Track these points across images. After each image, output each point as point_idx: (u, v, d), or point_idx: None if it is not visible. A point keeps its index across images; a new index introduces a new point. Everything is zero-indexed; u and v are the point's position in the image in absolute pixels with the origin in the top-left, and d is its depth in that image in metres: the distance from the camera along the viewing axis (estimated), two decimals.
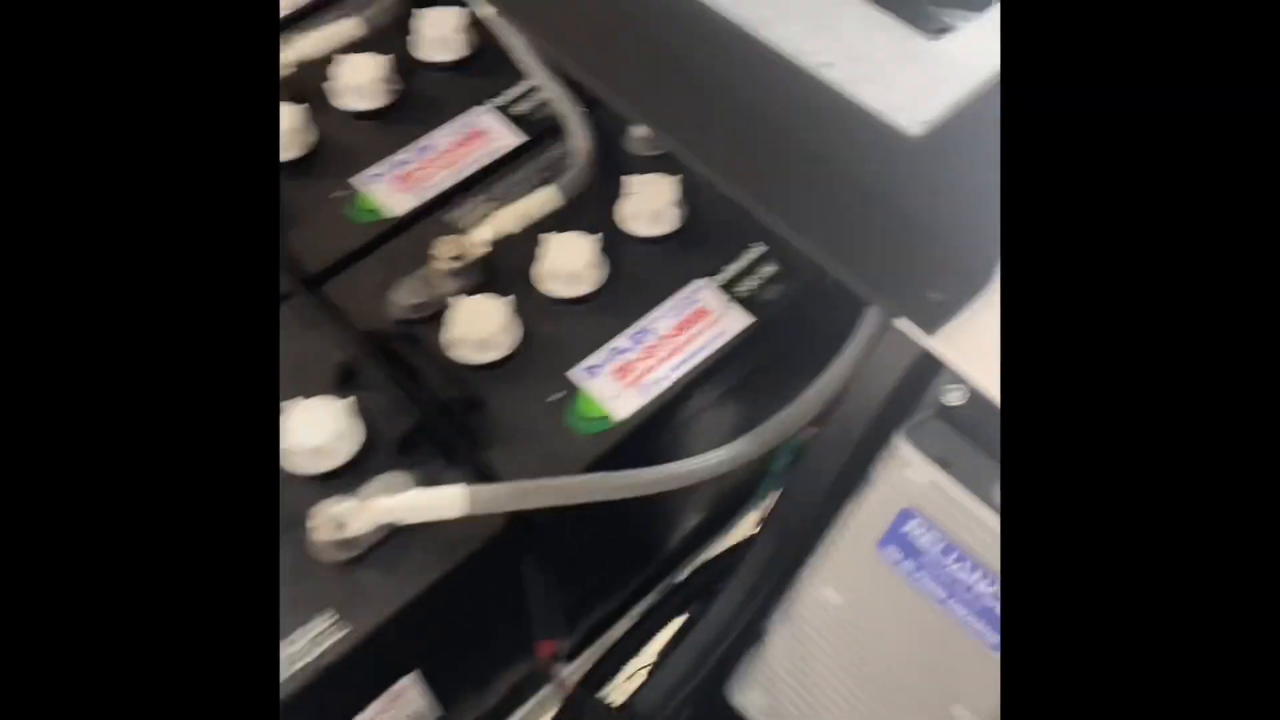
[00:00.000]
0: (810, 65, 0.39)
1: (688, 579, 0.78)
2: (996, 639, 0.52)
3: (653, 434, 0.61)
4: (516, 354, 0.63)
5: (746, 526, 0.83)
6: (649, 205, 0.68)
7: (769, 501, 0.76)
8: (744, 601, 0.65)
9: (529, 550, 0.60)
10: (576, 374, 0.62)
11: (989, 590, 0.52)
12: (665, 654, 0.75)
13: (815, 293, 0.66)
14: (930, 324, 0.40)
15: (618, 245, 0.67)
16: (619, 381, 0.62)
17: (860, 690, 0.58)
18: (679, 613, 0.78)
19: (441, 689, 0.61)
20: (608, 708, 0.71)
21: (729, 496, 0.78)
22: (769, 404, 0.58)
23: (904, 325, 0.41)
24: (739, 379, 0.65)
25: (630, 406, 0.61)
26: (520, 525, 0.56)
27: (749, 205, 0.43)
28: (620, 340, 0.63)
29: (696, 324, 0.64)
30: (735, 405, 0.67)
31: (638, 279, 0.66)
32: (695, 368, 0.62)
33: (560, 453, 0.59)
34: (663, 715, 0.71)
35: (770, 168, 0.41)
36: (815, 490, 0.59)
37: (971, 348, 0.40)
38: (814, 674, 0.60)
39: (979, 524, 0.51)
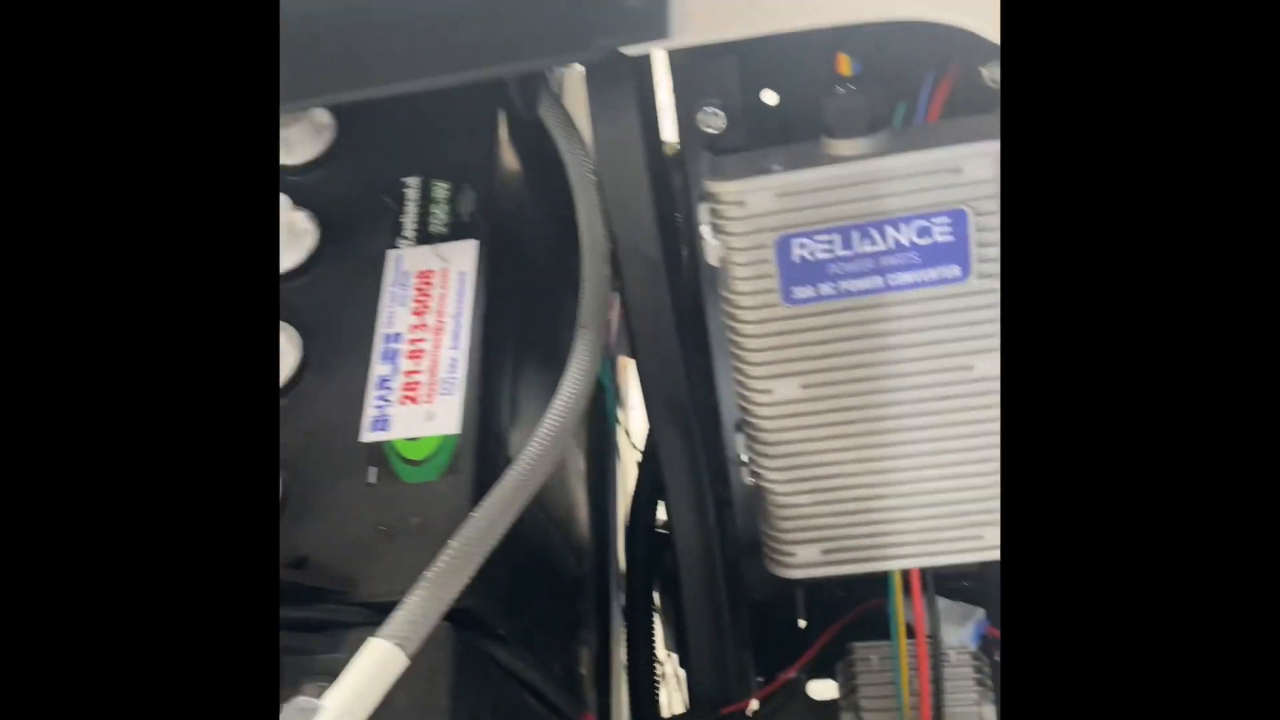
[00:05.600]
0: None
1: (630, 554, 0.68)
2: (966, 269, 0.46)
3: (496, 415, 0.52)
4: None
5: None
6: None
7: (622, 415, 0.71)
8: (697, 500, 0.57)
9: (489, 639, 0.48)
10: (369, 435, 0.50)
11: (907, 234, 0.46)
12: (680, 634, 0.65)
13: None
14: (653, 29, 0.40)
15: None
16: (418, 405, 0.50)
17: (888, 435, 0.51)
18: (648, 594, 0.69)
19: None
20: None
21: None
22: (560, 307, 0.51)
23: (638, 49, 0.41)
24: (510, 300, 0.56)
25: (452, 414, 0.50)
26: (461, 623, 0.45)
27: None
28: (376, 371, 0.52)
29: (431, 291, 0.54)
30: (537, 329, 0.58)
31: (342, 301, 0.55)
32: (474, 329, 0.52)
33: (426, 513, 0.47)
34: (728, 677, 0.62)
35: None
36: (665, 331, 0.53)
37: None
38: (838, 475, 0.52)
39: (833, 193, 0.46)
